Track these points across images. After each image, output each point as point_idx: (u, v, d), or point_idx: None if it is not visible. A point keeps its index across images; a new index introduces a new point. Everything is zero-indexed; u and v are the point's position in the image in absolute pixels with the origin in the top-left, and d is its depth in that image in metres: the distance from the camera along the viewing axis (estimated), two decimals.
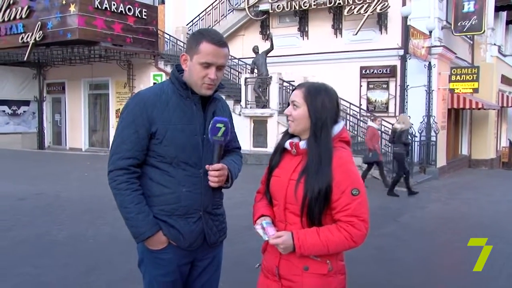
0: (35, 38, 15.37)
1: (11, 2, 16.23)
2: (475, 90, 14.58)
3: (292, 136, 2.11)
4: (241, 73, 15.78)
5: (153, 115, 2.11)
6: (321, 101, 2.01)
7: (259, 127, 13.98)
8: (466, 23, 14.86)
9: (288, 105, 2.11)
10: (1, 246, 5.56)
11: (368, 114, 14.25)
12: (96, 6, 14.74)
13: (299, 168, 2.02)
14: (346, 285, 2.10)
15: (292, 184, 2.00)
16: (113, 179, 2.13)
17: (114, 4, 15.19)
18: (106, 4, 14.98)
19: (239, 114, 14.26)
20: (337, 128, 2.05)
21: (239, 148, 2.46)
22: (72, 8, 14.60)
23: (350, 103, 14.20)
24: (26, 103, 19.85)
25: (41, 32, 15.28)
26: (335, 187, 1.94)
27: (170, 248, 2.16)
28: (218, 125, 2.10)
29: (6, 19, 16.35)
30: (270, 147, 13.44)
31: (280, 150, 2.13)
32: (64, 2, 14.82)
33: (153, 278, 2.21)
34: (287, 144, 2.09)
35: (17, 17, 16.01)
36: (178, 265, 2.20)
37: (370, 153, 10.62)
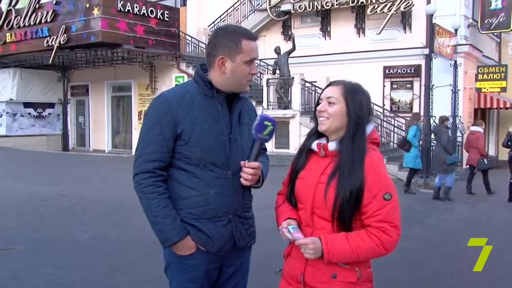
0: (60, 41, 15.60)
1: (37, 6, 16.56)
2: (503, 89, 14.20)
3: (318, 137, 2.01)
4: (263, 74, 15.69)
5: (178, 116, 2.04)
6: (359, 100, 1.94)
7: (281, 128, 13.86)
8: (493, 21, 14.49)
9: (317, 103, 2.01)
10: (26, 247, 5.59)
11: (392, 115, 14.03)
12: (119, 9, 14.91)
13: (328, 170, 1.92)
14: None
15: (321, 188, 1.90)
16: (139, 182, 2.07)
17: (136, 7, 15.33)
18: (128, 7, 15.12)
19: None
20: (368, 129, 1.96)
21: (266, 149, 2.37)
22: (96, 11, 14.78)
23: (373, 104, 13.98)
24: (51, 105, 20.16)
25: (65, 35, 15.51)
26: (367, 191, 1.85)
27: (199, 253, 2.10)
28: (266, 122, 2.02)
29: (32, 23, 16.68)
30: (293, 148, 13.34)
31: (306, 151, 2.04)
32: (87, 5, 15.02)
33: (180, 284, 2.14)
34: (314, 145, 1.99)
35: (43, 21, 16.31)
36: (206, 271, 2.13)
37: (485, 159, 10.48)
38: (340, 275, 1.90)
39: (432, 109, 12.57)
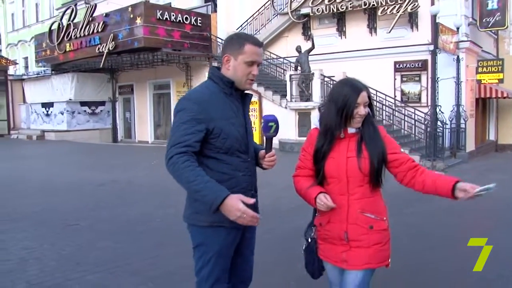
0: (109, 47, 15.97)
1: (90, 19, 17.08)
2: (500, 81, 13.97)
3: None
4: (286, 70, 15.70)
5: (210, 113, 2.10)
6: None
7: (303, 118, 13.89)
8: (490, 20, 14.19)
9: (353, 107, 2.15)
10: (87, 224, 5.88)
11: (402, 105, 13.92)
12: (158, 17, 15.15)
13: (352, 147, 2.17)
14: None
15: (351, 161, 2.14)
16: (174, 162, 2.00)
17: (173, 15, 15.54)
18: (166, 15, 15.34)
19: (285, 107, 14.25)
20: None
21: None
22: (139, 20, 15.04)
23: (386, 95, 13.89)
24: (102, 103, 20.67)
25: (113, 42, 15.88)
26: (390, 148, 2.20)
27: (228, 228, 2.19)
28: (270, 124, 2.18)
29: (86, 34, 17.21)
30: None
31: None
32: (131, 16, 15.30)
33: (216, 251, 2.20)
34: None
35: (95, 31, 16.75)
36: (235, 237, 2.26)
37: None
38: (375, 225, 2.16)
39: (438, 99, 12.43)
